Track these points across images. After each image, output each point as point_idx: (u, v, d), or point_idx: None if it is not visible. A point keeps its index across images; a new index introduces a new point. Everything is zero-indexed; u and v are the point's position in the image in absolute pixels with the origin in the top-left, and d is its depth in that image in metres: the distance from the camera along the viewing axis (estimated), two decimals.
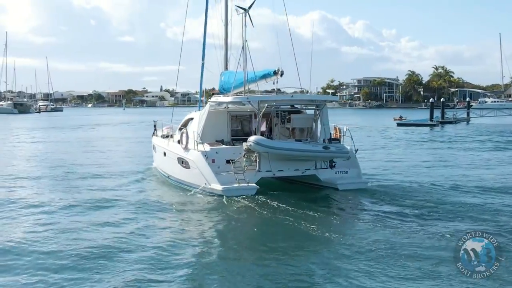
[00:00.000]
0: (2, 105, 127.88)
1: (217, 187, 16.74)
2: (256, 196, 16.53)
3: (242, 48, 18.77)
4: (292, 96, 19.06)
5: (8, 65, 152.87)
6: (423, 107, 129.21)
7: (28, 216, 15.18)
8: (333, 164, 17.72)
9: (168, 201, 17.51)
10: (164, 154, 20.79)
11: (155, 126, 25.03)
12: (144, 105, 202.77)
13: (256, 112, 18.09)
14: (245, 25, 18.71)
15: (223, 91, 21.36)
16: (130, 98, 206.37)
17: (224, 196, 16.50)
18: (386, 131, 56.06)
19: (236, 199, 16.29)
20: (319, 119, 19.20)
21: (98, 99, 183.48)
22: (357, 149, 19.00)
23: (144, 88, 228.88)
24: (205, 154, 17.33)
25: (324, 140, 18.51)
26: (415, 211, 15.33)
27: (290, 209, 15.25)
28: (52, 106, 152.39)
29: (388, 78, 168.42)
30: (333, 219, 14.71)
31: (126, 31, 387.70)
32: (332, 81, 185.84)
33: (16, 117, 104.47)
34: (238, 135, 19.26)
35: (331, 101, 24.67)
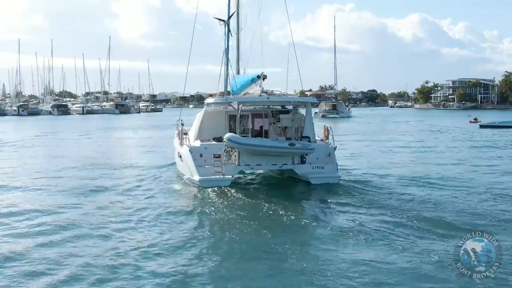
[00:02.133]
0: (105, 105, 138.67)
1: (196, 178, 18.56)
2: (229, 187, 18.16)
3: (226, 54, 20.80)
4: (268, 98, 20.27)
5: (113, 68, 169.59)
6: None
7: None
8: (304, 159, 18.98)
9: (160, 188, 19.88)
10: (174, 149, 23.54)
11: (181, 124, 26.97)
12: None
13: (252, 112, 20.07)
14: (225, 34, 20.72)
15: (232, 92, 22.81)
16: None
17: (200, 186, 18.32)
18: (469, 132, 52.62)
19: (210, 189, 17.89)
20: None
21: (199, 100, 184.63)
22: (336, 147, 20.07)
23: None
24: (190, 150, 19.17)
25: (299, 137, 20.11)
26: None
27: (251, 200, 16.85)
28: (152, 107, 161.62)
29: (483, 79, 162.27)
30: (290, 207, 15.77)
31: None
32: (426, 82, 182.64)
33: (117, 117, 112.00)
34: (235, 133, 20.16)
35: (312, 103, 25.74)
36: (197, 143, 19.77)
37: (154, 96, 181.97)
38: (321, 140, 20.79)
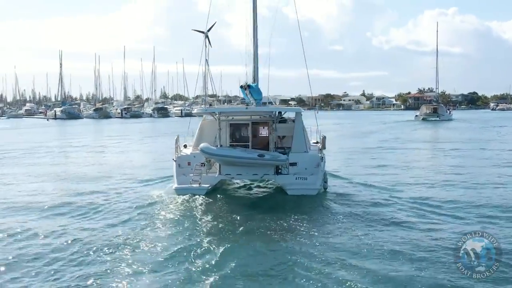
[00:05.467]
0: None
1: (174, 186, 19.12)
2: (204, 196, 18.10)
3: (206, 64, 30.68)
4: (246, 108, 20.53)
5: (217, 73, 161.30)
6: None
7: None
8: (279, 170, 18.66)
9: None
10: None
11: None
12: (341, 108, 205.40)
13: (252, 121, 20.29)
14: (205, 46, 27.86)
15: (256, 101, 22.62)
16: (328, 102, 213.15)
17: (176, 194, 18.58)
18: None
19: (185, 197, 17.95)
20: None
21: (299, 103, 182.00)
22: (322, 157, 19.70)
23: (345, 92, 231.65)
24: (174, 159, 19.94)
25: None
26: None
27: (223, 207, 17.15)
28: None
29: None
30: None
31: (336, 40, 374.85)
32: None
33: None
34: (236, 141, 20.41)
35: (298, 113, 21.30)
36: (188, 151, 20.27)
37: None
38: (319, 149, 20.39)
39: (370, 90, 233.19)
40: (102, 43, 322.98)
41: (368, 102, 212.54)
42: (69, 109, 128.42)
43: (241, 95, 24.85)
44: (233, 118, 20.90)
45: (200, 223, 15.11)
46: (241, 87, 20.62)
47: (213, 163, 19.17)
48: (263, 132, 20.86)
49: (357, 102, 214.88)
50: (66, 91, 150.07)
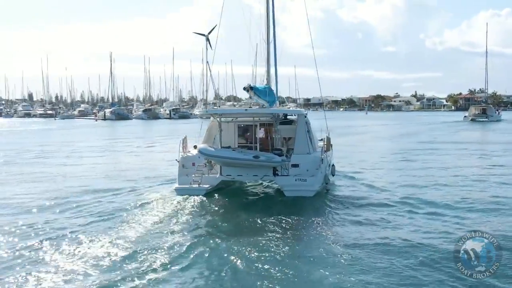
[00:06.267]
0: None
1: (174, 186, 19.48)
2: (202, 196, 18.24)
3: (207, 69, 23.97)
4: (246, 110, 20.81)
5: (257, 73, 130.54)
6: None
7: None
8: (276, 172, 18.85)
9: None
10: None
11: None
12: (391, 109, 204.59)
13: (260, 122, 20.57)
14: (206, 49, 26.28)
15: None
16: (378, 103, 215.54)
17: (176, 194, 18.79)
18: None
19: (182, 198, 18.16)
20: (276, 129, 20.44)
21: (350, 104, 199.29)
22: (322, 159, 19.23)
23: (396, 93, 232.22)
24: (177, 159, 20.00)
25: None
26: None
27: (220, 209, 17.14)
28: None
29: None
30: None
31: (389, 42, 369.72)
32: None
33: None
34: (244, 142, 21.05)
35: (299, 115, 21.27)
36: (194, 151, 20.24)
37: (308, 100, 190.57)
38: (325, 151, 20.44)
39: (423, 91, 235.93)
40: (153, 45, 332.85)
41: (418, 103, 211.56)
42: (118, 110, 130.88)
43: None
44: (238, 119, 21.17)
45: (183, 224, 15.18)
46: (244, 88, 20.87)
47: (214, 164, 19.47)
48: (271, 133, 21.14)
49: (407, 103, 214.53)
50: (119, 93, 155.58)
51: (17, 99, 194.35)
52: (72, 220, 15.73)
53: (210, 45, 26.13)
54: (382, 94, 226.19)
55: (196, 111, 29.69)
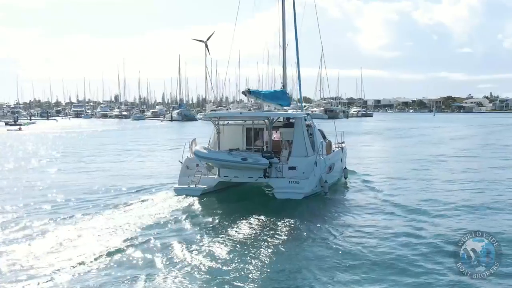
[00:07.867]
0: (315, 111, 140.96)
1: (174, 186, 20.19)
2: (198, 197, 18.85)
3: (206, 70, 41.40)
4: (240, 113, 22.22)
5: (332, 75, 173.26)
6: None
7: None
8: (266, 174, 19.18)
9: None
10: None
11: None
12: (461, 111, 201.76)
13: (266, 125, 20.73)
14: (205, 54, 44.30)
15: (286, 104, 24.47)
16: (449, 104, 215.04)
17: (175, 194, 19.49)
18: None
19: (179, 198, 18.87)
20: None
21: (419, 105, 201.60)
22: (316, 162, 19.39)
23: (469, 94, 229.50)
24: (180, 160, 20.83)
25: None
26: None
27: (214, 210, 17.36)
28: (363, 112, 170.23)
29: None
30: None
31: (465, 43, 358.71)
32: None
33: (324, 122, 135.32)
34: (252, 144, 21.76)
35: (297, 118, 21.27)
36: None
37: (378, 101, 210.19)
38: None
39: (499, 92, 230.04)
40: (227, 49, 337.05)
41: (490, 104, 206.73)
42: (184, 112, 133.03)
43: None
44: (245, 122, 22.01)
45: (179, 223, 15.58)
46: (243, 92, 21.53)
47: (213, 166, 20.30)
48: (277, 136, 21.64)
49: (479, 104, 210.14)
50: (189, 95, 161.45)
51: (105, 101, 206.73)
52: (75, 211, 17.17)
53: (209, 51, 25.21)
54: (453, 96, 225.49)
55: (198, 115, 22.69)
